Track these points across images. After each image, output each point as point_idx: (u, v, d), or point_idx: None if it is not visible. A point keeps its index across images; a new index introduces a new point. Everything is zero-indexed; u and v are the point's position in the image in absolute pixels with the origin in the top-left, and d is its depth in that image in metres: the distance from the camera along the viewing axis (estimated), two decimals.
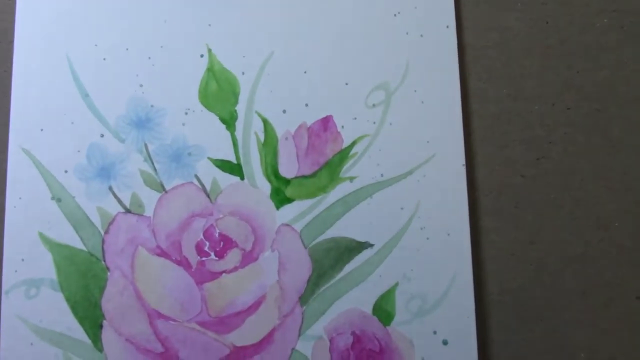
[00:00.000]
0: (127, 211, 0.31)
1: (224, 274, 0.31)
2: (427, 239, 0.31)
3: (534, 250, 0.31)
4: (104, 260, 0.31)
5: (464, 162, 0.31)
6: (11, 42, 0.32)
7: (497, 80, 0.32)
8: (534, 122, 0.32)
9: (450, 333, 0.30)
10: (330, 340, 0.31)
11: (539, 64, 0.32)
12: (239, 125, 0.32)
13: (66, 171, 0.31)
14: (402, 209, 0.31)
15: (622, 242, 0.31)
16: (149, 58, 0.31)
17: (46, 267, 0.31)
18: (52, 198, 0.31)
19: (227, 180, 0.32)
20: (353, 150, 0.32)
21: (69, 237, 0.31)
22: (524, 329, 0.31)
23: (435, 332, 0.30)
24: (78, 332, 0.31)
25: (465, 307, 0.30)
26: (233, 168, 0.32)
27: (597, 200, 0.31)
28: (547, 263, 0.31)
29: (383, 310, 0.31)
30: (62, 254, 0.31)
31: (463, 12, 0.32)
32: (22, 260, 0.31)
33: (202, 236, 0.32)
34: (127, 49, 0.31)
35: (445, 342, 0.30)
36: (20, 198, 0.31)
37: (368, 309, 0.31)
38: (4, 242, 0.31)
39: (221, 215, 0.32)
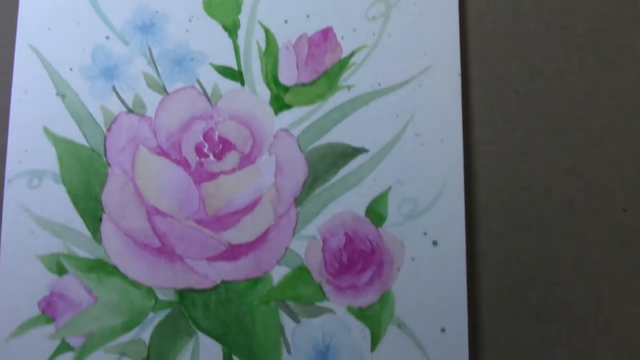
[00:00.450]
0: (130, 111, 0.32)
1: (221, 175, 0.32)
2: (421, 144, 0.32)
3: (525, 163, 0.32)
4: (106, 157, 0.32)
5: (459, 72, 0.32)
6: None
7: (494, 0, 0.33)
8: (529, 41, 0.33)
9: (440, 234, 0.31)
10: (323, 241, 0.31)
11: None
12: (241, 33, 0.33)
13: (71, 69, 0.32)
14: (397, 116, 0.32)
15: (611, 157, 0.32)
16: None
17: (49, 160, 0.32)
18: (57, 94, 0.32)
19: (227, 85, 0.33)
20: (352, 60, 0.33)
21: (72, 132, 0.32)
22: (512, 237, 0.31)
23: (425, 234, 0.31)
24: (78, 224, 0.31)
25: (455, 211, 0.31)
26: (234, 74, 0.33)
27: (588, 117, 0.32)
28: (537, 175, 0.32)
29: (375, 212, 0.31)
30: (65, 149, 0.32)
31: None
32: (26, 151, 0.31)
33: (201, 138, 0.32)
34: None
35: (435, 243, 0.31)
36: (26, 92, 0.31)
37: (361, 212, 0.32)
38: (8, 134, 0.31)
39: (221, 119, 0.32)
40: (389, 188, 0.31)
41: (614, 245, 0.32)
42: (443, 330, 0.30)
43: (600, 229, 0.32)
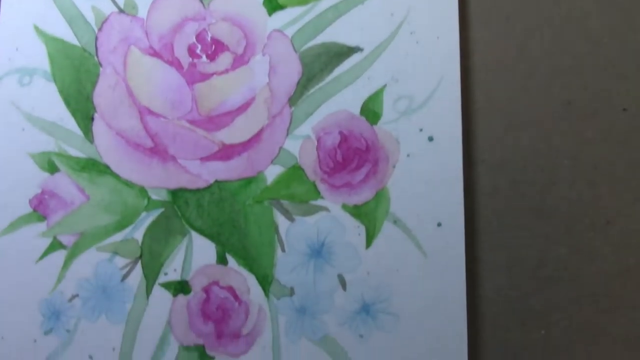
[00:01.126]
0: (121, 11, 0.32)
1: (214, 76, 0.32)
2: (417, 42, 0.31)
3: (523, 61, 0.32)
4: (97, 57, 0.32)
5: None
6: None
7: None
8: None
9: (436, 130, 0.30)
10: (317, 140, 0.31)
11: None
12: None
13: None
14: (392, 14, 0.31)
15: (611, 55, 0.31)
16: None
17: (40, 58, 0.31)
18: None
19: None
20: None
21: (64, 32, 0.32)
22: (510, 135, 0.31)
23: (421, 130, 0.31)
24: (70, 123, 0.31)
25: (451, 107, 0.30)
26: None
27: (587, 16, 0.32)
28: (535, 74, 0.31)
29: (370, 110, 0.31)
30: (56, 47, 0.31)
31: None
32: (17, 49, 0.31)
33: (194, 39, 0.32)
34: None
35: (430, 139, 0.30)
36: None
37: (356, 110, 0.31)
38: None
39: (214, 21, 0.32)
40: (384, 86, 0.31)
41: (613, 144, 0.31)
42: (439, 224, 0.30)
43: (599, 128, 0.31)
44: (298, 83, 0.32)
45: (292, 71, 0.32)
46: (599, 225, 0.31)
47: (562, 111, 0.31)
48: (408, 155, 0.31)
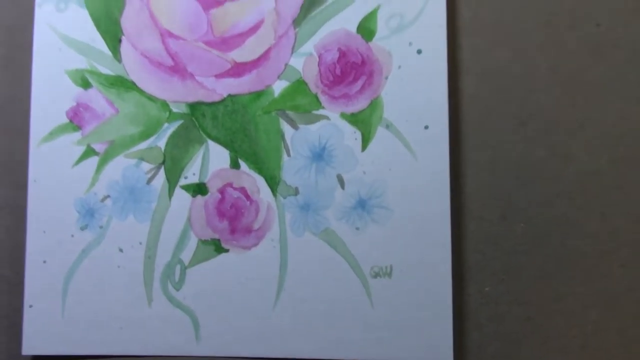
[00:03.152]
0: None
1: (227, 2, 0.35)
2: None
3: None
4: None
5: None
6: None
7: None
8: None
9: (423, 43, 0.34)
10: (319, 56, 0.35)
11: None
12: None
13: None
14: None
15: None
16: None
17: None
18: None
19: None
20: None
21: None
22: (493, 48, 0.34)
23: (410, 44, 0.34)
24: (100, 44, 0.35)
25: (438, 22, 0.34)
26: None
27: None
28: None
29: (366, 28, 0.34)
30: None
31: None
32: None
33: None
34: None
35: (419, 51, 0.34)
36: None
37: (353, 29, 0.35)
38: None
39: None
40: (378, 6, 0.34)
41: (588, 56, 0.34)
42: (426, 127, 0.33)
43: (575, 41, 0.34)
44: (302, 6, 0.35)
45: None
46: (575, 126, 0.34)
47: (541, 26, 0.34)
48: (399, 67, 0.34)
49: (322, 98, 0.34)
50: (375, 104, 0.34)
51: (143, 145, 0.35)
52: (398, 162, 0.33)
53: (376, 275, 0.33)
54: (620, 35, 0.34)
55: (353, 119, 0.34)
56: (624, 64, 0.34)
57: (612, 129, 0.34)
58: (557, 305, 0.33)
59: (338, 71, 0.34)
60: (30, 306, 0.34)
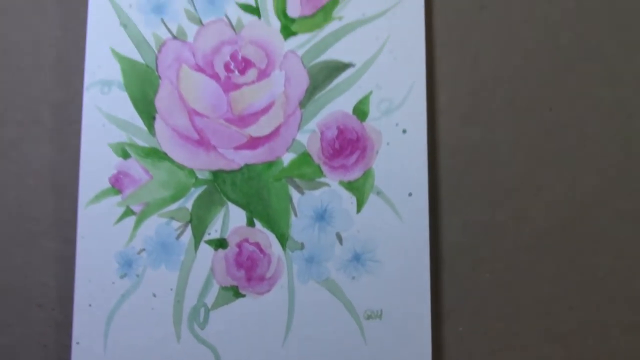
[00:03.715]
0: (175, 37, 0.43)
1: (244, 86, 0.42)
2: (394, 59, 0.41)
3: (476, 71, 0.42)
4: (157, 72, 0.42)
5: (423, 5, 0.42)
6: None
7: None
8: None
9: (408, 125, 0.41)
10: (321, 133, 0.42)
11: None
12: None
13: (130, 6, 0.42)
14: (376, 39, 0.42)
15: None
16: None
17: (115, 73, 0.42)
18: (121, 24, 0.42)
19: (248, 18, 0.43)
20: None
21: (132, 53, 0.42)
22: (465, 128, 0.41)
23: (397, 124, 0.41)
24: (138, 121, 0.42)
25: (420, 107, 0.41)
26: (253, 10, 0.43)
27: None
28: (487, 82, 0.42)
29: (360, 110, 0.41)
30: (127, 65, 0.42)
31: None
32: (99, 66, 0.42)
33: (229, 58, 0.43)
34: None
35: (404, 131, 0.41)
36: (98, 23, 0.42)
37: (349, 110, 0.42)
38: (85, 55, 0.42)
39: (243, 44, 0.43)
40: (370, 92, 0.42)
41: (542, 135, 0.41)
42: (410, 194, 0.40)
43: (531, 121, 0.41)
44: (306, 91, 0.42)
45: (302, 82, 0.42)
46: (531, 194, 0.41)
47: (505, 109, 0.42)
48: (388, 144, 0.41)
49: (324, 168, 0.41)
50: (368, 174, 0.41)
51: (173, 206, 0.41)
52: (386, 223, 0.40)
53: (369, 317, 0.40)
54: (570, 118, 0.41)
55: (349, 186, 0.41)
56: (573, 142, 0.41)
57: (565, 193, 0.41)
58: (517, 340, 0.40)
59: (337, 146, 0.41)
60: (78, 343, 0.40)
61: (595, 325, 0.39)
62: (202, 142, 0.41)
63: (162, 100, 0.41)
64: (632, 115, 0.40)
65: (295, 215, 0.40)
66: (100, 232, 0.40)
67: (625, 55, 0.40)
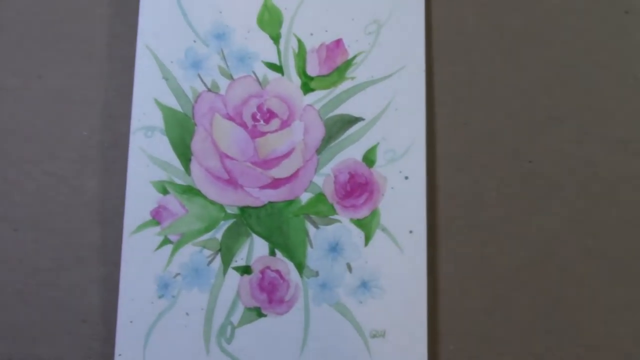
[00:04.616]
0: (209, 90, 0.49)
1: (269, 134, 0.49)
2: (399, 115, 0.49)
3: (476, 120, 0.49)
4: (194, 119, 0.49)
5: (424, 69, 0.49)
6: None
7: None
8: None
9: (410, 172, 0.47)
10: (334, 177, 0.48)
11: None
12: (282, 41, 0.50)
13: (172, 62, 0.49)
14: (384, 97, 0.49)
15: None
16: None
17: (158, 120, 0.48)
18: (163, 77, 0.49)
19: (273, 75, 0.49)
20: (355, 61, 0.49)
21: (173, 103, 0.48)
22: (459, 176, 0.49)
23: (400, 172, 0.48)
24: (176, 162, 0.48)
25: (420, 157, 0.48)
26: (277, 68, 0.50)
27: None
28: (486, 132, 0.49)
29: (369, 158, 0.48)
30: (168, 113, 0.48)
31: None
32: (144, 114, 0.48)
33: (256, 109, 0.49)
34: None
35: (406, 177, 0.48)
36: (142, 75, 0.48)
37: (360, 158, 0.48)
38: (132, 104, 0.48)
39: (268, 97, 0.49)
40: (378, 143, 0.48)
41: (519, 184, 0.49)
42: (411, 231, 0.47)
43: (513, 171, 0.49)
44: (322, 140, 0.49)
45: (318, 132, 0.49)
46: (512, 231, 0.48)
47: (487, 158, 0.49)
48: (392, 188, 0.48)
49: (337, 207, 0.48)
50: (374, 213, 0.48)
51: (205, 237, 0.48)
52: (390, 256, 0.47)
53: (374, 336, 0.47)
54: (546, 169, 0.49)
55: (359, 223, 0.48)
56: (547, 189, 0.49)
57: (540, 232, 0.48)
58: (500, 358, 0.47)
59: (348, 188, 0.48)
60: (120, 355, 0.46)
61: (570, 346, 0.46)
62: (231, 182, 0.48)
63: (198, 144, 0.47)
64: (598, 171, 0.48)
65: (311, 247, 0.46)
66: (142, 258, 0.46)
67: (592, 118, 0.48)
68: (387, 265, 0.44)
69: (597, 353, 0.46)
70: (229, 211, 0.44)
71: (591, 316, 0.46)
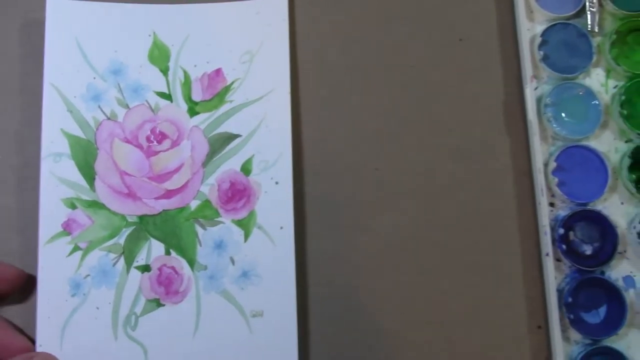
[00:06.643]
0: (109, 119, 0.58)
1: (161, 152, 0.58)
2: (270, 132, 0.57)
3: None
4: (96, 144, 0.57)
5: (289, 92, 0.59)
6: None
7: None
8: None
9: (279, 178, 0.56)
10: (218, 185, 0.57)
11: None
12: (170, 73, 0.58)
13: (75, 96, 0.57)
14: (256, 117, 0.58)
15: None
16: (121, 37, 0.58)
17: (64, 147, 0.55)
18: (67, 110, 0.57)
19: (163, 103, 0.58)
20: (232, 86, 0.58)
21: (77, 132, 0.56)
22: (330, 182, 0.58)
23: (272, 178, 0.57)
24: (82, 182, 0.55)
25: (286, 167, 0.57)
26: (167, 96, 0.58)
27: None
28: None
29: (246, 168, 0.57)
30: (74, 141, 0.56)
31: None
32: (52, 142, 0.56)
33: (149, 132, 0.58)
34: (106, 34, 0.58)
35: (277, 183, 0.57)
36: (49, 108, 0.56)
37: (238, 168, 0.57)
38: (41, 136, 0.57)
39: (160, 121, 0.58)
40: (253, 155, 0.57)
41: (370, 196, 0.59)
42: (281, 227, 0.57)
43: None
44: (207, 155, 0.57)
45: (203, 149, 0.57)
46: (365, 229, 0.58)
47: (344, 169, 0.59)
48: (265, 192, 0.57)
49: (220, 211, 0.57)
50: (252, 214, 0.57)
51: (110, 242, 0.54)
52: (265, 249, 0.54)
53: (254, 316, 0.56)
54: (391, 174, 0.59)
55: (239, 223, 0.56)
56: (394, 193, 0.58)
57: (390, 230, 0.58)
58: (364, 338, 0.57)
59: (230, 194, 0.57)
60: (40, 345, 0.55)
61: (419, 324, 0.56)
62: (131, 195, 0.56)
63: (100, 165, 0.55)
64: (435, 174, 0.58)
65: (200, 245, 0.53)
66: (56, 263, 0.50)
67: (429, 131, 0.58)
68: (263, 256, 0.51)
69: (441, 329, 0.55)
70: (129, 220, 0.52)
71: (432, 294, 0.56)
